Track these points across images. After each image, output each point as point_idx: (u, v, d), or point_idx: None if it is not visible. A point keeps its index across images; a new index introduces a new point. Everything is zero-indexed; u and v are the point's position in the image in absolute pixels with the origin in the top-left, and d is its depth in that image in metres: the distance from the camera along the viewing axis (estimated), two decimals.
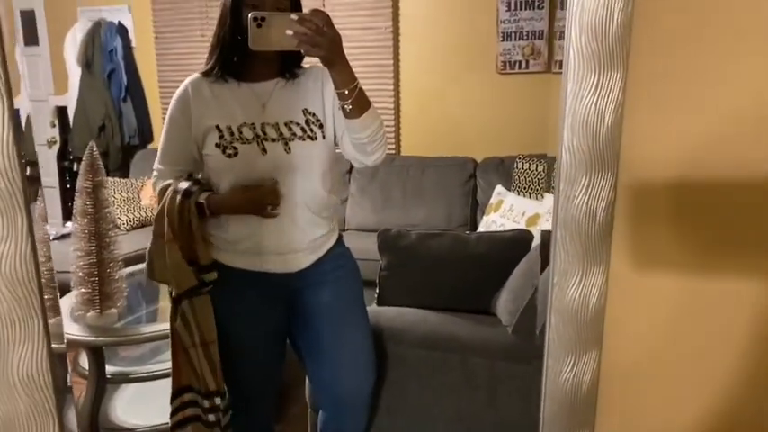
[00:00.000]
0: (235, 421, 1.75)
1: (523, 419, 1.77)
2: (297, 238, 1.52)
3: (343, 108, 1.37)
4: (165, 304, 2.48)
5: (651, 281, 0.89)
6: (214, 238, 1.55)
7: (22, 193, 0.71)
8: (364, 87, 1.37)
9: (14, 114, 0.69)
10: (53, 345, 0.87)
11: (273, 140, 1.45)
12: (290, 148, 1.46)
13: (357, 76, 1.36)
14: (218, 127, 1.45)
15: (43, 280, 0.87)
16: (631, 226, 0.86)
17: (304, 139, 1.47)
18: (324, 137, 1.50)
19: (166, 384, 2.34)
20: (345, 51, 1.33)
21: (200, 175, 1.56)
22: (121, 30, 4.27)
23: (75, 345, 2.13)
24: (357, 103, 1.36)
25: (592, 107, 0.78)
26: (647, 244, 0.88)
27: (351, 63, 1.35)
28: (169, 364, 2.35)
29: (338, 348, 1.62)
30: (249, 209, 1.47)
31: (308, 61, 1.47)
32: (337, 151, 1.57)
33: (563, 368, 0.88)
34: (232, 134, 1.45)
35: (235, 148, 1.44)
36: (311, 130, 1.48)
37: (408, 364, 1.88)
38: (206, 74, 1.50)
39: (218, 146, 1.45)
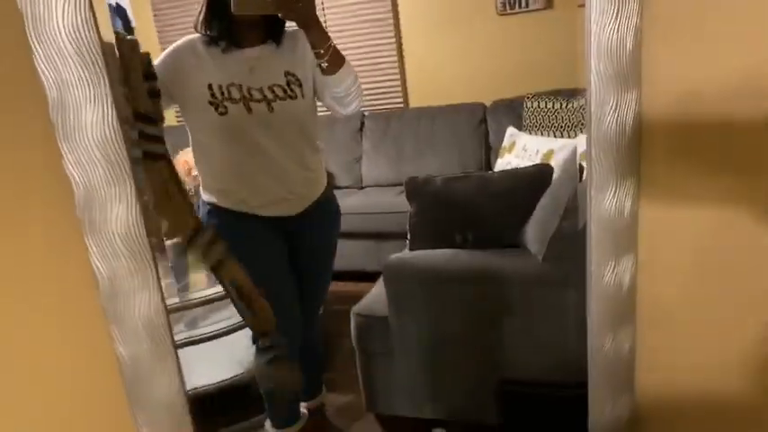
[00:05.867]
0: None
1: (559, 340, 1.90)
2: (284, 185, 1.68)
3: (320, 66, 1.55)
4: (195, 277, 2.61)
5: (680, 187, 0.99)
6: (211, 189, 1.72)
7: (128, 162, 0.83)
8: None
9: None
10: None
11: (258, 101, 1.59)
12: (272, 108, 1.60)
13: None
14: (210, 85, 1.57)
15: None
16: (659, 139, 0.96)
17: (285, 99, 1.61)
18: (303, 95, 1.64)
19: (208, 348, 2.48)
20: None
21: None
22: (120, 11, 4.29)
23: None
24: (332, 61, 1.53)
25: (614, 34, 0.87)
26: (674, 157, 0.97)
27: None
28: (210, 329, 2.48)
29: (313, 282, 1.89)
30: None
31: (289, 25, 1.61)
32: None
33: (605, 271, 0.99)
34: (222, 93, 1.57)
35: (225, 107, 1.57)
36: (291, 90, 1.62)
37: (447, 300, 2.00)
38: (200, 38, 1.62)
39: (211, 103, 1.57)
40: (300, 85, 1.63)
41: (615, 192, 0.94)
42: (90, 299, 0.92)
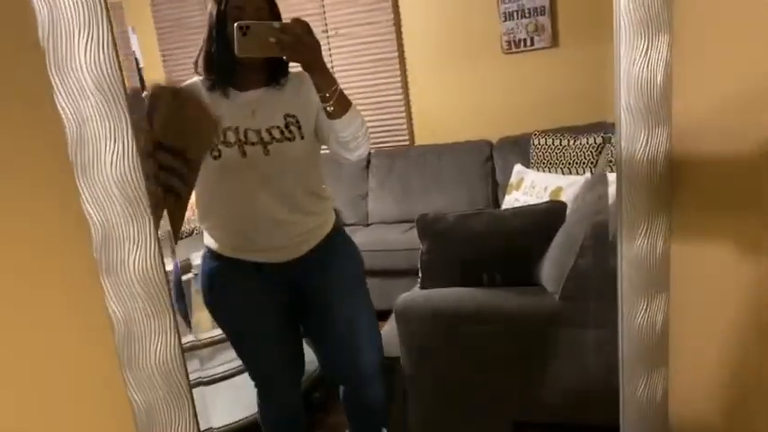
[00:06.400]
0: (264, 409, 1.87)
1: (578, 381, 1.84)
2: (281, 233, 1.61)
3: (325, 109, 1.48)
4: (200, 316, 2.57)
5: (712, 226, 0.96)
6: (206, 229, 1.66)
7: (147, 199, 0.80)
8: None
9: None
10: None
11: (253, 144, 1.54)
12: (268, 151, 1.54)
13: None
14: None
15: None
16: (689, 176, 0.93)
17: (282, 141, 1.56)
18: (302, 137, 1.58)
19: (223, 387, 2.45)
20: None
21: None
22: None
23: None
24: (338, 104, 1.47)
25: (644, 69, 0.85)
26: (704, 192, 0.95)
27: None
28: (222, 368, 2.45)
29: (343, 326, 1.74)
30: None
31: (292, 66, 1.56)
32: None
33: (637, 312, 0.95)
34: (217, 137, 1.52)
35: (219, 151, 1.52)
36: (290, 131, 1.57)
37: (461, 341, 1.95)
38: (202, 81, 1.59)
39: None
40: (299, 127, 1.57)
41: (647, 230, 0.91)
42: (105, 342, 0.88)
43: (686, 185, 0.94)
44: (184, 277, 2.86)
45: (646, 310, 0.95)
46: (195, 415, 0.91)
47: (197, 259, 2.73)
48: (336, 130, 1.53)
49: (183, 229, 3.87)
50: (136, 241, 0.83)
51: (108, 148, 0.80)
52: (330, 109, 1.48)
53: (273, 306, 1.70)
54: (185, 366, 0.88)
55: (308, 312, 1.75)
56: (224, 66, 1.52)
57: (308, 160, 1.63)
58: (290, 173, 1.59)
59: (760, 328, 0.99)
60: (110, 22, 0.76)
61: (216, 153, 1.52)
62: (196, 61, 1.58)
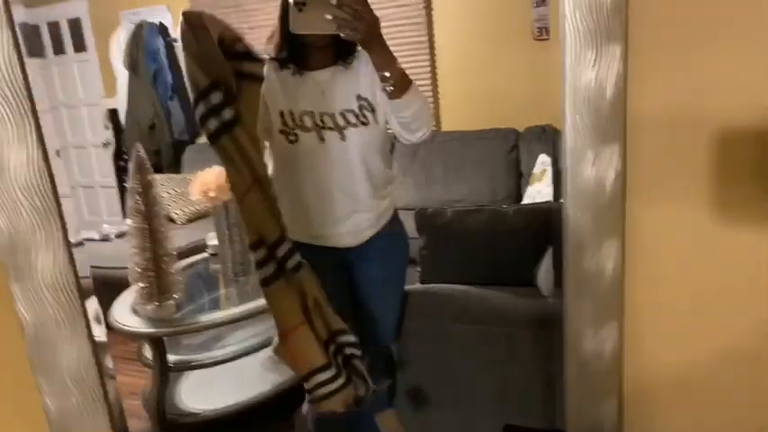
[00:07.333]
0: None
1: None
2: (350, 219, 1.60)
3: (384, 89, 1.41)
4: (224, 292, 2.59)
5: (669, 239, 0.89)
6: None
7: (56, 208, 0.78)
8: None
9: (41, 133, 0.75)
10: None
11: (330, 129, 1.52)
12: (344, 136, 1.52)
13: None
14: (281, 113, 1.52)
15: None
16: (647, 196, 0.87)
17: (357, 126, 1.53)
18: (376, 121, 1.55)
19: (228, 369, 2.45)
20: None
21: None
22: (162, 30, 4.39)
23: (137, 336, 2.24)
24: (398, 84, 1.40)
25: (592, 83, 0.79)
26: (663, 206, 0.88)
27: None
28: (230, 350, 2.46)
29: (372, 314, 1.75)
30: None
31: None
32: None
33: (584, 338, 0.89)
34: (293, 120, 1.51)
35: (296, 135, 1.51)
36: (364, 116, 1.54)
37: (453, 339, 1.91)
38: (272, 60, 1.56)
39: (281, 132, 1.52)
40: (373, 111, 1.54)
41: (594, 253, 0.85)
42: (17, 349, 0.87)
43: (642, 204, 0.87)
44: (198, 257, 2.88)
45: (593, 337, 0.89)
46: (112, 422, 0.90)
47: (212, 240, 2.75)
48: (396, 110, 1.47)
49: (197, 210, 3.88)
50: (44, 249, 0.81)
51: (12, 154, 0.78)
52: (389, 89, 1.41)
53: (331, 283, 1.64)
54: (100, 374, 0.87)
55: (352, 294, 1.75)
56: (289, 44, 1.50)
57: (381, 144, 1.61)
58: (366, 157, 1.57)
59: (716, 358, 0.93)
60: (9, 15, 0.74)
61: (293, 137, 1.51)
62: (268, 47, 1.56)
